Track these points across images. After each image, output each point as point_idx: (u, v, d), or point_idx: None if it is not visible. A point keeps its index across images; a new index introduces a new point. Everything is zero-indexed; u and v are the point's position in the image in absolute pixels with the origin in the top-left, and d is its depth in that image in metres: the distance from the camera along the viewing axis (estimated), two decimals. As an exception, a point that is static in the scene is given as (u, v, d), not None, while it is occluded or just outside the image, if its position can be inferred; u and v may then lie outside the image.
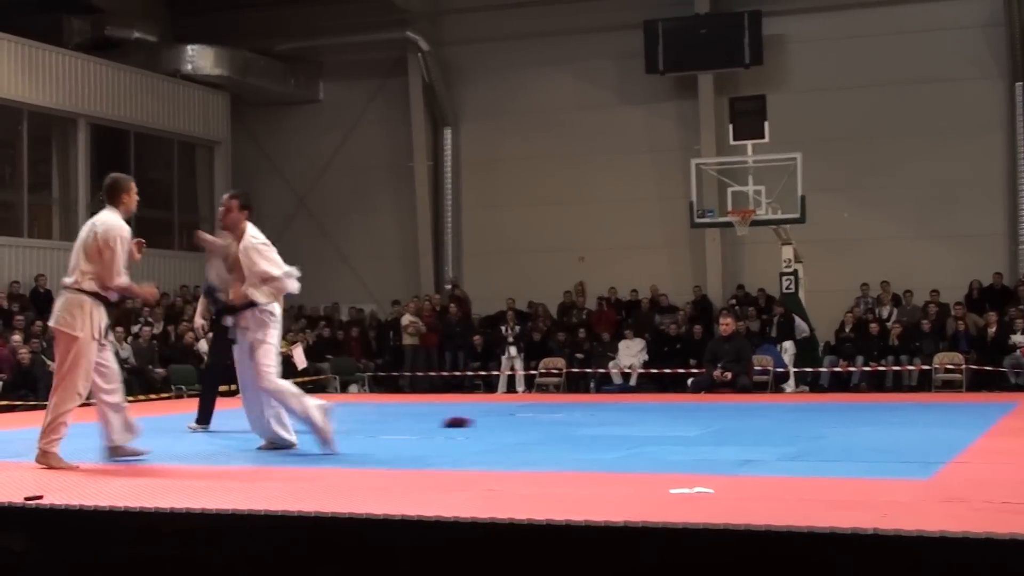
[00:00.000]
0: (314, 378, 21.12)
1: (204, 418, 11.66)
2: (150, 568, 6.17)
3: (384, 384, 23.33)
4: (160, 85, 24.92)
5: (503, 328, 22.76)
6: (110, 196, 8.67)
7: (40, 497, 6.54)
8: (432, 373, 23.04)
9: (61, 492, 6.82)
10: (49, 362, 17.03)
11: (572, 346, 22.75)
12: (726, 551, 5.43)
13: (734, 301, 23.46)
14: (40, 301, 20.27)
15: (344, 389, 21.99)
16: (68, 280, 8.53)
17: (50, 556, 6.30)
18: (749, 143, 20.82)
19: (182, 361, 19.98)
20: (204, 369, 11.76)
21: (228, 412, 11.95)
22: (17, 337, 18.44)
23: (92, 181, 23.41)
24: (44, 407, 9.09)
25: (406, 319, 23.41)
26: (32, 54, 22.21)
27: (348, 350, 23.67)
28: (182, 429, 11.65)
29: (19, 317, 19.40)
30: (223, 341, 10.34)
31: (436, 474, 8.05)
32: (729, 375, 18.18)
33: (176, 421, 12.40)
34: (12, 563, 6.06)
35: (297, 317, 24.56)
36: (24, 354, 17.63)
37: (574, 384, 22.05)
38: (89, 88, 23.23)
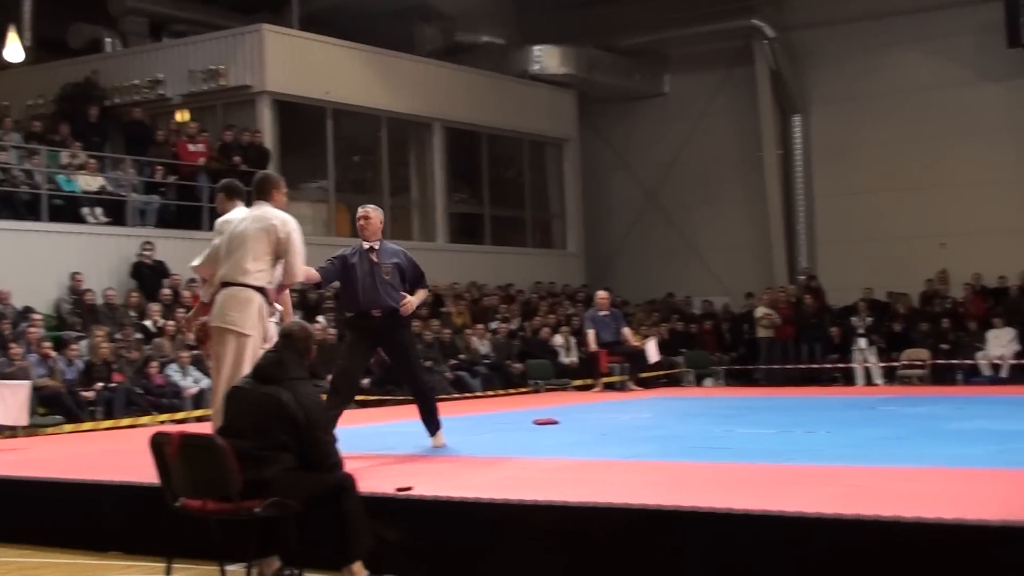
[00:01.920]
0: (668, 371, 21.14)
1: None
2: (524, 561, 6.30)
3: (739, 378, 23.08)
4: (509, 86, 25.54)
5: (853, 319, 22.07)
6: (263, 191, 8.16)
7: (410, 488, 6.80)
8: (788, 366, 22.60)
9: (430, 484, 7.06)
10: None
11: (936, 336, 21.81)
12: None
13: (1117, 285, 21.83)
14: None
15: (699, 383, 21.92)
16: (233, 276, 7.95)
17: (421, 545, 6.54)
18: None
19: (538, 356, 20.43)
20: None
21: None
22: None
23: (448, 183, 24.27)
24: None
25: (760, 311, 23.06)
26: (388, 63, 23.18)
27: (702, 343, 23.56)
28: (525, 424, 11.80)
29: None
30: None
31: (796, 469, 7.85)
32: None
33: (526, 416, 12.56)
34: (386, 552, 6.31)
35: (650, 311, 24.64)
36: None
37: (939, 376, 21.12)
38: (442, 93, 24.03)
